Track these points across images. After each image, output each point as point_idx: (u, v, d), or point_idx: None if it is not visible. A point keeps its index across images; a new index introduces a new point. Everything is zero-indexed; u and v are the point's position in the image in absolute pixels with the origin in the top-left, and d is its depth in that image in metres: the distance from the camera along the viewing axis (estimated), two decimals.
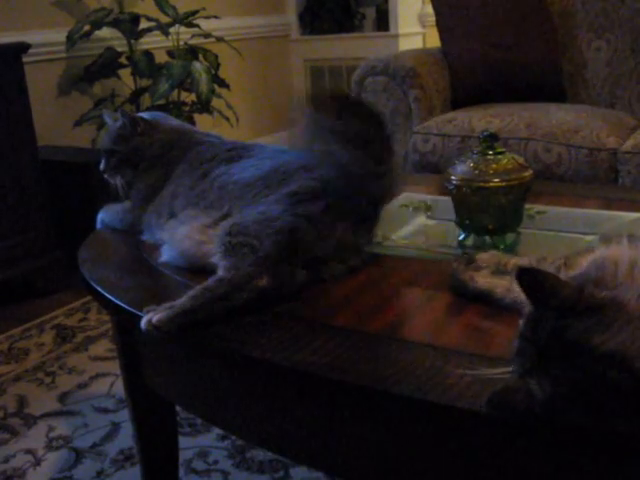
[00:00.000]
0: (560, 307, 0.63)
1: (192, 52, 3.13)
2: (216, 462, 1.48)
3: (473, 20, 2.64)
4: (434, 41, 3.02)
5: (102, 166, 1.36)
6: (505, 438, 0.73)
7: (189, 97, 3.13)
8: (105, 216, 1.38)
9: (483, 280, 0.91)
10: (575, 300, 0.63)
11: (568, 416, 0.63)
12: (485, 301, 0.91)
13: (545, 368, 0.63)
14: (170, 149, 1.32)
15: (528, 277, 0.65)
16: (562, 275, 0.75)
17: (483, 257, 0.96)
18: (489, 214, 1.15)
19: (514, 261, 0.93)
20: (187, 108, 3.13)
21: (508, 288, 0.88)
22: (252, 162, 1.19)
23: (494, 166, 1.16)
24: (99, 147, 1.41)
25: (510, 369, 0.69)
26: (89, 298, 2.32)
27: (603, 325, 0.61)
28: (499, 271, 0.93)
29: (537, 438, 0.69)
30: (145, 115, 1.38)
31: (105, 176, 1.37)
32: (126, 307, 1.00)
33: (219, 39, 3.17)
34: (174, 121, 1.41)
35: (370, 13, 4.44)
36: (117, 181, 1.35)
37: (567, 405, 0.62)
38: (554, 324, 0.63)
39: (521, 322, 0.69)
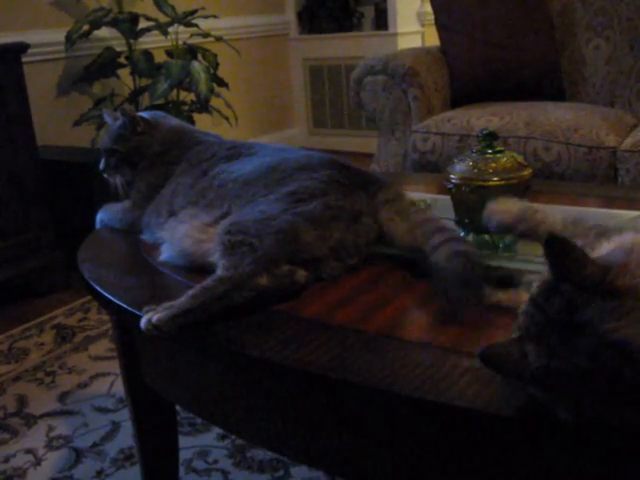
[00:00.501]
0: (582, 284, 0.61)
1: (191, 51, 3.14)
2: (216, 461, 1.48)
3: (472, 19, 2.64)
4: (433, 40, 3.02)
5: (102, 165, 1.36)
6: (505, 437, 0.73)
7: (188, 96, 3.13)
8: (104, 216, 1.38)
9: (507, 297, 0.90)
10: (598, 280, 0.61)
11: (555, 391, 0.62)
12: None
13: (547, 338, 0.62)
14: (170, 148, 1.32)
15: (556, 246, 0.63)
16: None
17: (497, 208, 0.91)
18: None
19: (543, 214, 0.88)
20: (186, 107, 3.13)
21: (514, 300, 0.87)
22: (252, 161, 1.19)
23: (493, 165, 1.15)
24: (99, 146, 1.41)
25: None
26: (89, 298, 2.32)
27: (619, 313, 0.59)
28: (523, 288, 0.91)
29: (537, 437, 0.69)
30: (145, 114, 1.38)
31: (105, 175, 1.37)
32: (126, 307, 1.00)
33: (218, 38, 3.17)
34: (174, 120, 1.41)
35: (369, 12, 4.44)
36: (117, 180, 1.35)
37: (558, 380, 0.62)
38: (570, 299, 0.62)
39: (534, 285, 0.68)
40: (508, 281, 0.93)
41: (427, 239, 1.01)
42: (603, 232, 0.81)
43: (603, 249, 0.71)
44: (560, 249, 0.63)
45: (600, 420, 0.61)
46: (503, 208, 0.89)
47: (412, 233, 1.05)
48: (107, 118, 1.42)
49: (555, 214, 0.87)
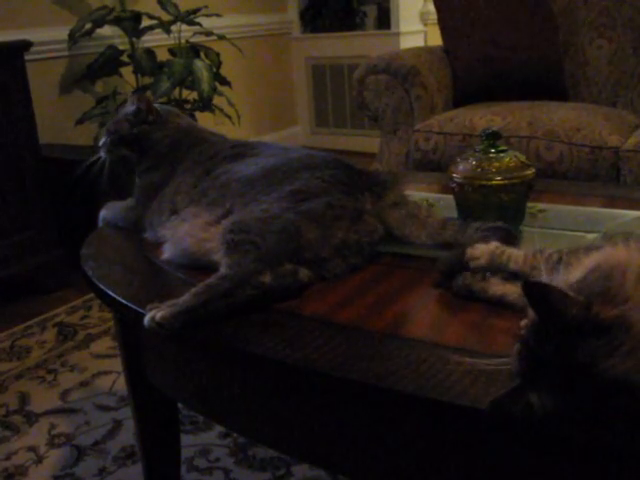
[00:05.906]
0: (568, 325, 0.61)
1: (194, 50, 3.13)
2: (218, 460, 1.48)
3: (475, 18, 2.64)
4: (436, 39, 3.02)
5: (101, 142, 1.36)
6: (507, 436, 0.73)
7: (191, 95, 3.13)
8: (107, 214, 1.38)
9: (495, 288, 0.91)
10: (583, 319, 0.60)
11: (568, 432, 0.62)
12: (497, 305, 0.90)
13: (547, 384, 0.62)
14: (176, 148, 1.31)
15: (535, 292, 0.62)
16: (560, 272, 0.73)
17: (475, 253, 0.94)
18: (491, 212, 1.15)
19: (509, 252, 0.92)
20: (189, 106, 3.13)
21: (521, 294, 0.87)
22: (255, 160, 1.19)
23: (496, 164, 1.16)
24: (103, 128, 1.42)
25: (505, 360, 0.69)
26: (91, 296, 2.33)
27: (611, 348, 0.59)
28: (508, 277, 0.91)
29: (537, 439, 0.69)
30: (159, 107, 1.38)
31: (101, 153, 1.37)
32: (129, 304, 1.00)
33: (221, 37, 3.17)
34: (185, 120, 1.40)
35: (371, 11, 4.44)
36: (108, 158, 1.35)
37: (568, 422, 0.61)
38: (560, 341, 0.61)
39: (523, 323, 0.68)
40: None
41: (459, 235, 1.06)
42: (560, 257, 0.82)
43: (584, 267, 0.70)
44: (539, 293, 0.62)
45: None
46: (477, 253, 0.94)
47: (434, 235, 1.09)
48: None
49: (519, 251, 0.92)
